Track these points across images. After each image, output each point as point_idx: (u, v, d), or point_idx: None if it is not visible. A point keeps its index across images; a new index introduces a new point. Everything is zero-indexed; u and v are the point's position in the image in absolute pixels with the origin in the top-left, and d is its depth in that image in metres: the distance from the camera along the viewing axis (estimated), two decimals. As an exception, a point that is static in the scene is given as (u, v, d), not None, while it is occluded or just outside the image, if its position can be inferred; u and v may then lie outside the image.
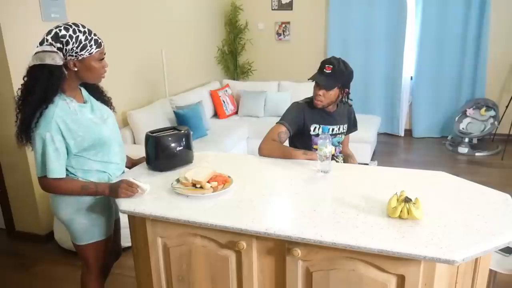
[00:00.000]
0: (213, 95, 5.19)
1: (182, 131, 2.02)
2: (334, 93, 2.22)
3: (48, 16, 3.07)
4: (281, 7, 6.00)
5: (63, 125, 1.64)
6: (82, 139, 1.69)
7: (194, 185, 1.72)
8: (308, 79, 2.27)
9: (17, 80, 2.86)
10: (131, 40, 4.04)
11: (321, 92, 2.21)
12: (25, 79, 1.63)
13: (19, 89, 1.65)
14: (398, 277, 1.33)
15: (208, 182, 1.71)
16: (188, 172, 1.77)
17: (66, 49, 1.59)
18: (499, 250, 1.88)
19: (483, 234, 1.31)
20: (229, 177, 1.78)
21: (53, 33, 1.59)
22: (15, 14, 2.87)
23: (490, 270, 1.76)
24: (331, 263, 1.41)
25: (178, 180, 1.78)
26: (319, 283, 1.44)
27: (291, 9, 5.95)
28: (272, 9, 6.05)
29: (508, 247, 1.70)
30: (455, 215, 1.44)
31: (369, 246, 1.28)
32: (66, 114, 1.66)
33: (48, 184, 1.69)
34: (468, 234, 1.31)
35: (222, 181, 1.73)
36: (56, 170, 1.65)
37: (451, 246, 1.25)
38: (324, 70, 2.19)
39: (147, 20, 4.30)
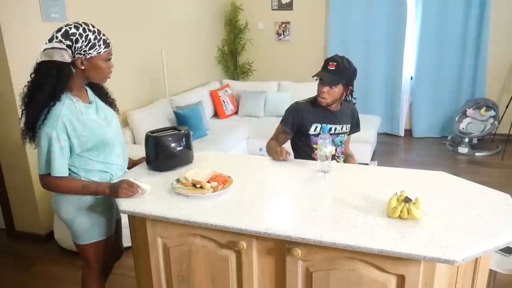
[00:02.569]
0: (213, 95, 5.19)
1: (182, 131, 2.02)
2: (338, 90, 2.23)
3: (48, 16, 3.07)
4: (281, 7, 5.99)
5: (69, 124, 1.64)
6: (86, 140, 1.70)
7: (194, 185, 1.72)
8: (312, 77, 2.29)
9: (17, 80, 2.87)
10: (131, 40, 4.04)
11: (325, 89, 2.22)
12: (33, 76, 1.63)
13: (25, 86, 1.65)
14: (398, 277, 1.33)
15: (208, 182, 1.71)
16: (188, 172, 1.77)
17: (75, 47, 1.60)
18: (499, 250, 1.88)
19: (483, 234, 1.31)
20: (229, 177, 1.78)
21: (63, 30, 1.60)
22: (15, 14, 2.86)
23: (490, 270, 1.76)
24: (331, 263, 1.41)
25: (178, 180, 1.78)
26: (319, 283, 1.44)
27: (291, 9, 5.95)
28: (272, 9, 6.05)
29: (508, 247, 1.69)
30: (455, 215, 1.44)
31: (369, 246, 1.28)
32: (72, 113, 1.66)
33: (49, 182, 1.69)
34: (468, 234, 1.31)
35: (222, 181, 1.73)
36: (60, 169, 1.65)
37: (451, 246, 1.25)
38: (328, 67, 2.21)
39: (147, 20, 4.30)
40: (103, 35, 1.67)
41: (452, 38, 5.32)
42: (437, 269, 1.30)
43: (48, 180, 1.68)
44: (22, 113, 1.67)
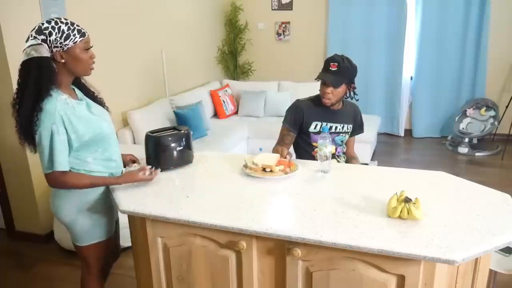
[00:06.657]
0: (213, 95, 5.19)
1: (182, 131, 2.02)
2: (342, 90, 2.24)
3: (48, 16, 3.06)
4: (281, 7, 5.99)
5: (65, 117, 1.64)
6: (83, 133, 1.69)
7: (264, 169, 1.87)
8: (315, 79, 2.28)
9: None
10: (131, 40, 4.04)
11: (329, 90, 2.22)
12: (19, 80, 1.63)
13: (15, 93, 1.65)
14: (398, 277, 1.33)
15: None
16: (256, 158, 1.90)
17: (50, 40, 1.60)
18: (499, 250, 1.88)
19: (483, 234, 1.31)
20: (289, 161, 1.96)
21: (36, 27, 1.62)
22: (15, 14, 2.86)
23: (490, 270, 1.76)
24: (331, 263, 1.41)
25: (246, 166, 1.91)
26: (319, 283, 1.44)
27: (291, 9, 5.95)
28: (272, 9, 6.05)
29: (508, 247, 1.69)
30: (455, 215, 1.44)
31: (369, 246, 1.28)
32: (67, 108, 1.66)
33: (56, 179, 1.66)
34: (468, 234, 1.31)
35: (287, 165, 1.88)
36: (63, 163, 1.64)
37: (451, 246, 1.25)
38: (330, 68, 2.21)
39: (147, 20, 4.30)
40: (77, 25, 1.67)
41: (452, 38, 5.32)
42: (437, 269, 1.30)
43: (54, 177, 1.65)
44: (16, 119, 1.66)
